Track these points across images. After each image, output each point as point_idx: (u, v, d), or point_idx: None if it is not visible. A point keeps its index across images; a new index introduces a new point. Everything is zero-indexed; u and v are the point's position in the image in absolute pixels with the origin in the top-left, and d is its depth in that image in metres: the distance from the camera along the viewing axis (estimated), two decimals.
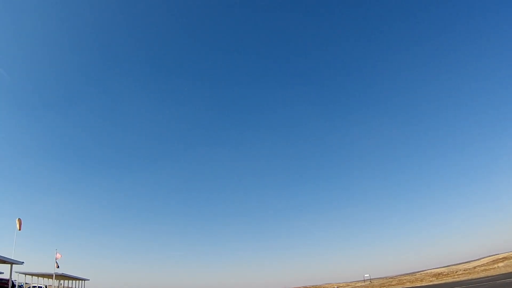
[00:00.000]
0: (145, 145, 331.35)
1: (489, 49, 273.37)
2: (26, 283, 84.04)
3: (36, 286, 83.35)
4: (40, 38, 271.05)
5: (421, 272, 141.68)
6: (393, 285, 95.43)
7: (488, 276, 61.15)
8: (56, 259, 75.67)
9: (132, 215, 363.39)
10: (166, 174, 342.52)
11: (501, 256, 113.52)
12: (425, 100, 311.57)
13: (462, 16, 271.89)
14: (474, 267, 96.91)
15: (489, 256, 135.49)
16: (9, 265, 48.74)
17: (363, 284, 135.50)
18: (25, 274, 75.05)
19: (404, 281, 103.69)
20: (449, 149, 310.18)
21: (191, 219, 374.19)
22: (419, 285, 77.48)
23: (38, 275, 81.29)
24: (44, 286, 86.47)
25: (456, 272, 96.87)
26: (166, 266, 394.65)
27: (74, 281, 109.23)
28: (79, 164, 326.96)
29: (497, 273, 62.74)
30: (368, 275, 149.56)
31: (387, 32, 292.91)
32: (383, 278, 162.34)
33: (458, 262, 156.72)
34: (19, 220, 61.46)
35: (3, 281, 62.20)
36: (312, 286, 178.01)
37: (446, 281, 73.50)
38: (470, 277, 70.55)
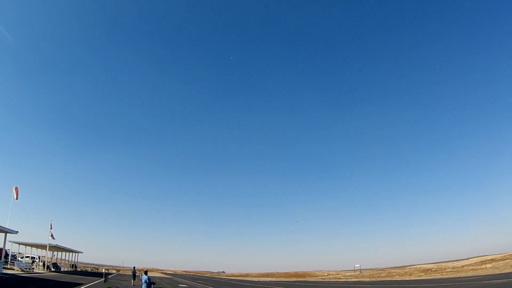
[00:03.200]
0: (145, 120, 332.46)
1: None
2: (19, 253, 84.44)
3: (29, 256, 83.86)
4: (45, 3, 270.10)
5: (410, 267, 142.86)
6: (383, 277, 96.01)
7: (475, 276, 61.72)
8: (50, 230, 76.07)
9: (128, 189, 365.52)
10: (165, 151, 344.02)
11: (489, 257, 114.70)
12: (427, 100, 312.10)
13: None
14: (462, 266, 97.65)
15: (478, 256, 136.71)
16: (3, 234, 48.90)
17: (353, 273, 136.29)
18: (19, 243, 75.23)
19: (393, 274, 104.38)
20: (448, 150, 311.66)
21: (186, 197, 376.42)
22: (407, 278, 77.99)
23: (31, 245, 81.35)
24: (37, 257, 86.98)
25: (444, 269, 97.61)
26: (158, 242, 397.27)
27: (67, 253, 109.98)
28: (77, 135, 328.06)
29: (484, 274, 63.32)
30: (358, 265, 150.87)
31: (405, 24, 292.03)
32: (373, 269, 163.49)
33: (446, 260, 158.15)
34: (16, 189, 61.08)
35: None
36: (303, 272, 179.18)
37: (435, 277, 74.03)
38: (458, 275, 71.11)
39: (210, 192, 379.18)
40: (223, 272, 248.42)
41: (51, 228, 76.06)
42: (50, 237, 75.20)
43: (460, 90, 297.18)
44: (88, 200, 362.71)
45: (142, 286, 28.38)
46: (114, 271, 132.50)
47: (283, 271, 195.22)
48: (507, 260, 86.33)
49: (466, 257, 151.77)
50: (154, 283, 28.94)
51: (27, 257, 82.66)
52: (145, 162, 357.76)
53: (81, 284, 44.81)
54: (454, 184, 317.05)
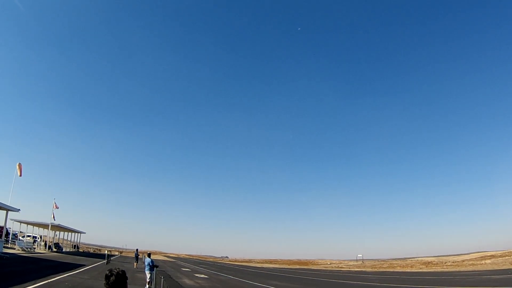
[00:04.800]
0: (155, 99, 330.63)
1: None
2: (20, 232, 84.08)
3: (30, 236, 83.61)
4: None
5: (411, 259, 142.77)
6: (384, 267, 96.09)
7: (475, 270, 61.56)
8: (54, 208, 75.52)
9: (134, 170, 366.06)
10: (173, 131, 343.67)
11: (488, 253, 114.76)
12: (438, 97, 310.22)
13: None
14: (463, 261, 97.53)
15: (478, 252, 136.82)
16: (4, 211, 48.36)
17: (355, 263, 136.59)
18: (20, 222, 74.58)
19: (395, 265, 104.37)
20: (454, 146, 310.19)
21: (191, 179, 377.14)
22: (409, 270, 77.97)
23: (33, 224, 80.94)
24: (39, 236, 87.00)
25: (445, 262, 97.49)
26: (162, 225, 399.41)
27: (70, 233, 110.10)
28: (84, 111, 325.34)
29: (484, 269, 63.19)
30: (361, 255, 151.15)
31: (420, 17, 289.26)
32: (375, 260, 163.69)
33: (447, 254, 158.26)
34: (20, 165, 59.89)
35: None
36: (306, 260, 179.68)
37: (435, 270, 73.94)
38: (458, 269, 71.04)
39: (216, 176, 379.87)
40: (227, 257, 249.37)
41: (55, 207, 75.45)
42: (52, 217, 74.75)
43: (468, 88, 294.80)
44: (93, 179, 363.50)
45: (145, 268, 28.19)
46: (116, 253, 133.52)
47: (286, 259, 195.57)
48: (506, 257, 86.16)
49: (467, 252, 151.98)
50: (157, 266, 28.72)
51: (28, 236, 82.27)
52: (152, 143, 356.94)
53: (83, 266, 44.74)
54: (459, 179, 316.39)
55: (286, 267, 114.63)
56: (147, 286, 26.77)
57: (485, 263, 78.90)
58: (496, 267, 63.88)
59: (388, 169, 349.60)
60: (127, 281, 5.37)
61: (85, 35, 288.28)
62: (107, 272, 5.21)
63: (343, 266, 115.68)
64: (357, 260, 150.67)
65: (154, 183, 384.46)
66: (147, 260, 28.21)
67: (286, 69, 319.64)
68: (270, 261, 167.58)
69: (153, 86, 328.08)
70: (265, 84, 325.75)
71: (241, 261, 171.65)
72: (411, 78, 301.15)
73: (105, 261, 57.12)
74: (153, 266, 27.65)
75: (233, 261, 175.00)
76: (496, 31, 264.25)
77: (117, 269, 5.27)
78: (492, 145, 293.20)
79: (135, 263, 54.87)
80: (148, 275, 27.33)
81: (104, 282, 5.20)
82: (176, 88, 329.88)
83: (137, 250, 61.74)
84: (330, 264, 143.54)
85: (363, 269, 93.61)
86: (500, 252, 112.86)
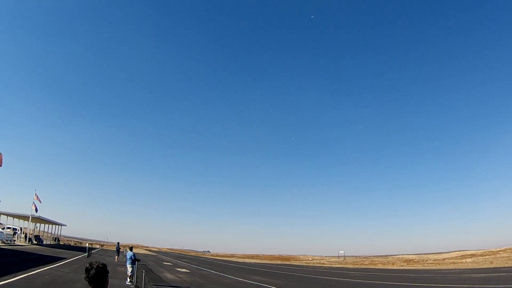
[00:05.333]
0: (139, 92, 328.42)
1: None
2: (0, 223, 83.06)
3: (10, 227, 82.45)
4: None
5: (393, 256, 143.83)
6: (366, 264, 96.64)
7: (456, 269, 62.19)
8: (34, 200, 74.60)
9: (116, 163, 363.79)
10: (156, 125, 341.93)
11: (469, 252, 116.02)
12: (421, 97, 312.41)
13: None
14: (444, 259, 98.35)
15: (458, 251, 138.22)
16: None
17: (337, 260, 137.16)
18: (0, 213, 74.02)
19: (376, 262, 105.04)
20: (437, 146, 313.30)
21: (174, 173, 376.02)
22: (390, 267, 78.52)
23: (13, 215, 79.75)
24: (19, 228, 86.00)
25: (426, 260, 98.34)
26: (144, 218, 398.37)
27: (50, 225, 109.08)
28: (67, 102, 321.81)
29: (464, 267, 63.88)
30: (343, 252, 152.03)
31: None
32: (356, 257, 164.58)
33: (428, 252, 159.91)
34: (0, 155, 58.50)
35: None
36: (288, 255, 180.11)
37: (417, 267, 74.61)
38: (439, 267, 71.68)
39: (199, 170, 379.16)
40: (208, 251, 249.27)
41: (36, 199, 74.51)
42: (33, 208, 73.73)
43: (451, 88, 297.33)
44: (75, 172, 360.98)
45: (126, 262, 27.89)
46: (98, 246, 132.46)
47: (268, 254, 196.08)
48: (487, 256, 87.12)
49: (447, 251, 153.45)
50: (138, 260, 28.48)
51: (8, 228, 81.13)
52: (134, 136, 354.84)
53: (64, 259, 44.35)
54: (441, 179, 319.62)
55: (268, 262, 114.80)
56: (128, 280, 26.54)
57: (466, 262, 79.70)
58: (476, 266, 64.58)
59: (370, 167, 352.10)
60: (108, 274, 5.21)
61: (70, 26, 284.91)
62: (88, 265, 5.04)
63: (325, 263, 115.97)
64: (338, 256, 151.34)
65: (136, 177, 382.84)
66: (129, 253, 27.93)
67: (273, 65, 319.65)
68: (252, 256, 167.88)
69: (137, 78, 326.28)
70: (251, 80, 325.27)
71: (223, 256, 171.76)
72: (396, 77, 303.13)
73: (86, 254, 56.69)
74: (134, 259, 27.39)
75: (215, 256, 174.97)
76: (478, 33, 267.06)
77: (98, 263, 5.11)
78: (474, 145, 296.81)
79: (116, 257, 54.50)
80: (129, 269, 27.07)
81: (84, 275, 5.04)
82: (160, 80, 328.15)
83: (118, 243, 61.29)
84: (312, 260, 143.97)
85: (345, 266, 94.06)
86: (480, 251, 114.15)
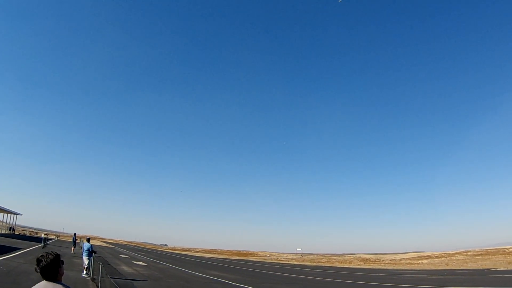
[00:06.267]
0: (99, 81, 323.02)
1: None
2: None
3: None
4: None
5: (350, 255, 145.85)
6: (323, 262, 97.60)
7: (412, 269, 63.30)
8: None
9: (75, 152, 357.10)
10: (117, 115, 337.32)
11: (425, 254, 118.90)
12: (387, 99, 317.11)
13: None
14: (400, 259, 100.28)
15: (415, 252, 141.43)
16: None
17: (294, 257, 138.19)
18: None
19: (334, 260, 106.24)
20: (397, 148, 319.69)
21: (132, 165, 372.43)
22: (347, 266, 79.37)
23: None
24: None
25: (383, 260, 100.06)
26: (101, 209, 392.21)
27: (4, 214, 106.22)
28: (23, 87, 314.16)
29: (421, 268, 65.04)
30: (300, 249, 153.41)
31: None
32: (313, 254, 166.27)
33: (385, 252, 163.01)
34: None
35: None
36: (245, 251, 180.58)
37: (373, 267, 75.65)
38: (396, 267, 72.87)
39: (159, 163, 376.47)
40: (166, 245, 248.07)
41: None
42: None
43: (413, 92, 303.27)
44: (30, 160, 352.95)
45: (82, 254, 27.36)
46: (54, 237, 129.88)
47: (226, 249, 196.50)
48: (443, 258, 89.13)
49: (404, 252, 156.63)
50: (95, 252, 27.96)
51: None
52: (94, 125, 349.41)
53: (18, 249, 43.32)
54: (398, 181, 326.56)
55: (225, 257, 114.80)
56: (85, 272, 26.09)
57: (422, 263, 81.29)
58: (432, 267, 65.85)
59: (329, 167, 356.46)
60: (63, 265, 5.02)
61: (31, 12, 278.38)
62: (39, 256, 4.84)
63: (282, 259, 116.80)
64: (296, 253, 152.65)
65: (93, 167, 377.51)
66: (86, 245, 27.42)
67: (235, 62, 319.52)
68: (210, 251, 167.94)
69: (98, 68, 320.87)
70: (214, 74, 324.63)
71: (180, 250, 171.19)
72: (358, 78, 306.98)
73: (41, 244, 55.59)
74: (91, 251, 26.90)
75: (172, 249, 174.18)
76: (436, 38, 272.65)
77: (50, 253, 4.90)
78: (434, 149, 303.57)
79: (72, 248, 53.46)
80: (86, 261, 26.58)
81: (35, 266, 4.82)
82: (123, 70, 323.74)
83: (75, 234, 60.25)
84: (270, 256, 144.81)
85: (302, 263, 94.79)
86: (436, 253, 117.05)
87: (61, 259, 5.02)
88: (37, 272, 4.80)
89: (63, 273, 4.99)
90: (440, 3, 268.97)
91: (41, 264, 4.75)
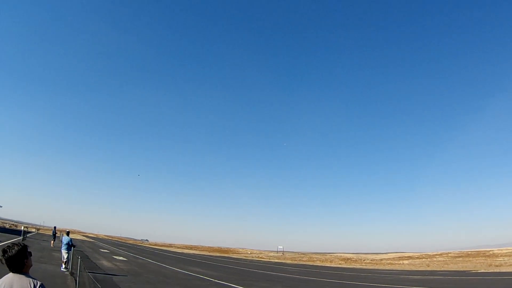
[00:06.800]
0: (84, 75, 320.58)
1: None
2: None
3: None
4: None
5: (330, 254, 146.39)
6: (304, 261, 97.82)
7: (393, 270, 63.59)
8: None
9: (57, 144, 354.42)
10: (102, 108, 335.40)
11: (406, 255, 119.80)
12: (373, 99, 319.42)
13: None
14: (381, 259, 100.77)
15: (396, 252, 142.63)
16: None
17: (275, 254, 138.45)
18: None
19: (315, 259, 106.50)
20: (384, 150, 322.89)
21: (113, 159, 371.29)
22: (328, 265, 79.56)
23: None
24: None
25: (364, 260, 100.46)
26: (82, 203, 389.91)
27: None
28: (7, 78, 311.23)
29: (402, 269, 65.39)
30: (281, 247, 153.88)
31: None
32: (295, 252, 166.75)
33: (365, 252, 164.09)
34: None
35: None
36: (226, 248, 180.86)
37: (354, 266, 75.95)
38: (377, 267, 73.20)
39: (139, 157, 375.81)
40: (147, 240, 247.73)
41: None
42: None
43: (398, 92, 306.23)
44: (11, 152, 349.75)
45: (61, 247, 26.99)
46: (34, 230, 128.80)
47: (207, 245, 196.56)
48: (423, 259, 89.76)
49: (385, 252, 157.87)
50: (74, 246, 27.57)
51: None
52: (76, 118, 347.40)
53: None
54: (382, 182, 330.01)
55: (206, 253, 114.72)
56: (63, 266, 25.74)
57: (403, 263, 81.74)
58: (413, 268, 66.22)
59: (312, 167, 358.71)
60: (31, 257, 4.82)
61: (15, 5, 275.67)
62: (5, 246, 4.65)
63: (263, 257, 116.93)
64: (277, 251, 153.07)
65: (74, 160, 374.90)
66: (65, 238, 27.06)
67: (222, 57, 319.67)
68: (191, 247, 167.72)
69: (84, 62, 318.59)
70: (200, 70, 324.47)
71: (161, 245, 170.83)
72: (342, 77, 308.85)
73: (21, 237, 55.01)
74: (71, 245, 26.52)
75: (153, 245, 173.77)
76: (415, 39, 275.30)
77: (17, 244, 4.71)
78: (417, 151, 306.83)
79: (52, 241, 53.03)
80: (64, 255, 26.23)
81: (0, 257, 4.62)
82: (108, 64, 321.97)
83: (55, 227, 59.83)
84: (251, 253, 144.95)
85: (283, 261, 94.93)
86: (417, 254, 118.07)
87: (29, 250, 4.85)
88: (3, 263, 4.61)
89: (31, 265, 4.84)
90: (427, 5, 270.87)
91: (6, 255, 4.57)
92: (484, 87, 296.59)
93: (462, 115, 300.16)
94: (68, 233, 28.87)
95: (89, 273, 20.40)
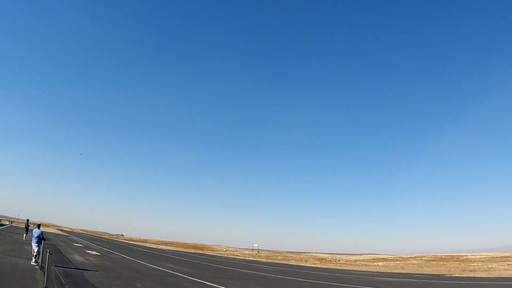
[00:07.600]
0: (68, 70, 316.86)
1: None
2: None
3: None
4: None
5: (306, 254, 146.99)
6: (279, 259, 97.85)
7: (367, 271, 63.88)
8: None
9: (35, 137, 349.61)
10: (86, 103, 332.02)
11: (380, 256, 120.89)
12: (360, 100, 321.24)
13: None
14: (356, 260, 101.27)
15: (370, 254, 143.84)
16: None
17: (251, 252, 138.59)
18: None
19: (290, 258, 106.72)
20: (355, 151, 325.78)
21: (91, 153, 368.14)
22: (303, 264, 79.65)
23: None
24: None
25: (338, 260, 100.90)
26: (58, 196, 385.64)
27: None
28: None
29: (376, 270, 65.66)
30: (257, 245, 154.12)
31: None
32: (270, 251, 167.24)
33: (340, 252, 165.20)
34: None
35: None
36: (201, 245, 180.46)
37: (329, 266, 76.13)
38: (351, 268, 73.43)
39: (118, 152, 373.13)
40: (122, 235, 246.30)
41: None
42: None
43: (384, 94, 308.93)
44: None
45: (31, 240, 26.35)
46: (7, 222, 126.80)
47: (182, 242, 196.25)
48: (398, 262, 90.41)
49: (359, 253, 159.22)
50: (45, 239, 26.95)
51: None
52: (52, 110, 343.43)
53: None
54: (356, 185, 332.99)
55: (181, 250, 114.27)
56: (34, 260, 25.17)
57: (378, 265, 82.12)
58: (388, 270, 66.54)
59: (289, 166, 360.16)
60: None
61: None
62: None
63: (238, 254, 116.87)
64: (252, 249, 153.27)
65: (50, 153, 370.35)
66: (36, 231, 26.42)
67: (205, 57, 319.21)
68: (166, 243, 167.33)
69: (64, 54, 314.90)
70: (186, 70, 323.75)
71: (136, 241, 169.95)
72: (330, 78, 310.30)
73: None
74: (41, 238, 25.91)
75: (128, 240, 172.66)
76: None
77: None
78: (392, 155, 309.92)
79: (24, 234, 52.07)
80: (35, 248, 25.62)
81: None
82: (94, 62, 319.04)
83: (27, 220, 58.91)
84: (226, 251, 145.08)
85: (258, 259, 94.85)
86: (392, 256, 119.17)
87: None
88: None
89: None
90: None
91: None
92: (467, 93, 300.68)
93: (440, 122, 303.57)
94: (39, 226, 28.20)
95: (58, 268, 19.95)
